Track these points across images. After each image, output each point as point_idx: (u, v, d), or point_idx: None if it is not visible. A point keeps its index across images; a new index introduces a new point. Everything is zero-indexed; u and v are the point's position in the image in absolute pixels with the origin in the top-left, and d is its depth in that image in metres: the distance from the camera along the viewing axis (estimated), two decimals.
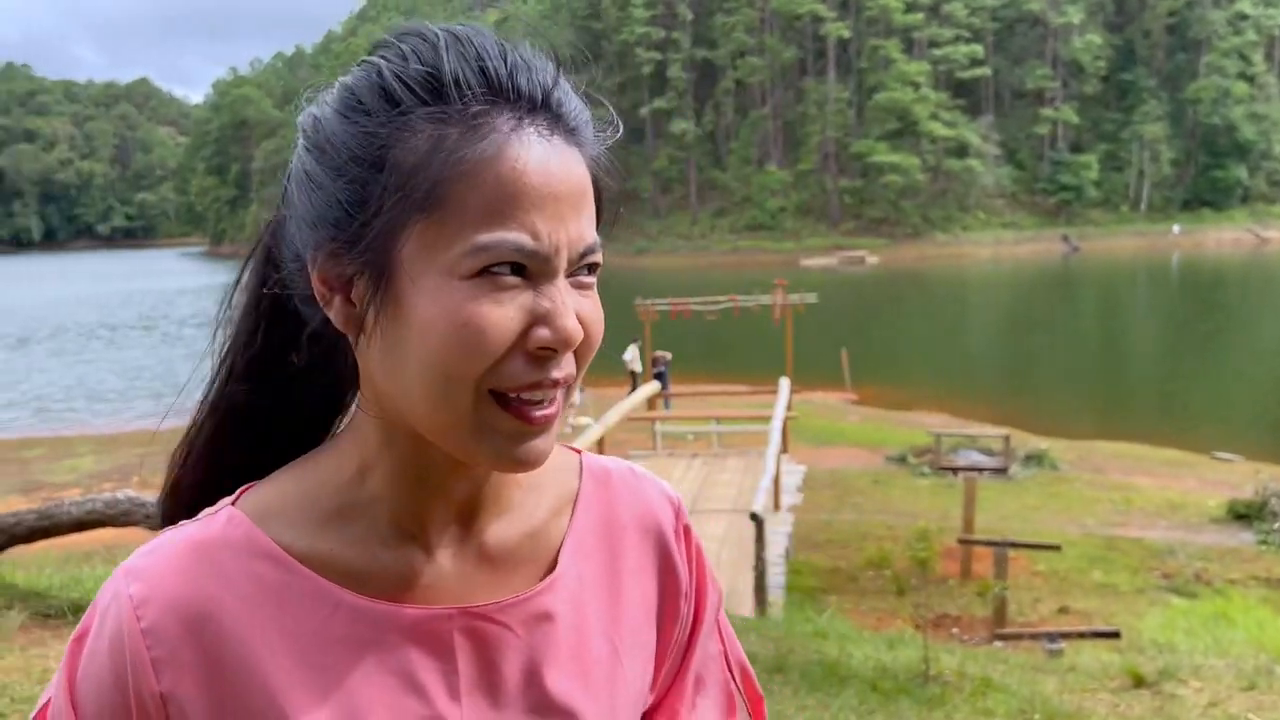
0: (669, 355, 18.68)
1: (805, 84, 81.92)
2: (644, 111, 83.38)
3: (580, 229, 0.67)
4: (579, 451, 0.85)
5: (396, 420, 0.69)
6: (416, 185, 0.64)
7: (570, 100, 0.69)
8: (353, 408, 0.75)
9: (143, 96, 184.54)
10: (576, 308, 0.67)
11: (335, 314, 0.68)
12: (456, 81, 0.65)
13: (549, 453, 0.68)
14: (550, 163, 0.65)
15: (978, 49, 77.62)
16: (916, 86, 75.51)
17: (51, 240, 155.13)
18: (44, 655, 4.86)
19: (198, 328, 34.79)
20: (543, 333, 0.65)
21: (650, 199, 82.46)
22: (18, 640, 5.22)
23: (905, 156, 72.93)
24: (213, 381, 0.77)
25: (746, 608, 7.66)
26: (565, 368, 0.67)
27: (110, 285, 59.29)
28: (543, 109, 0.67)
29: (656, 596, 0.83)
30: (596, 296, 0.70)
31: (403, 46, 0.67)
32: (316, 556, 0.71)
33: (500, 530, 0.76)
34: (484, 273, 0.64)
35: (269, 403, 0.76)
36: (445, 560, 0.74)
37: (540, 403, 0.66)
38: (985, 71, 77.71)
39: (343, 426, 0.75)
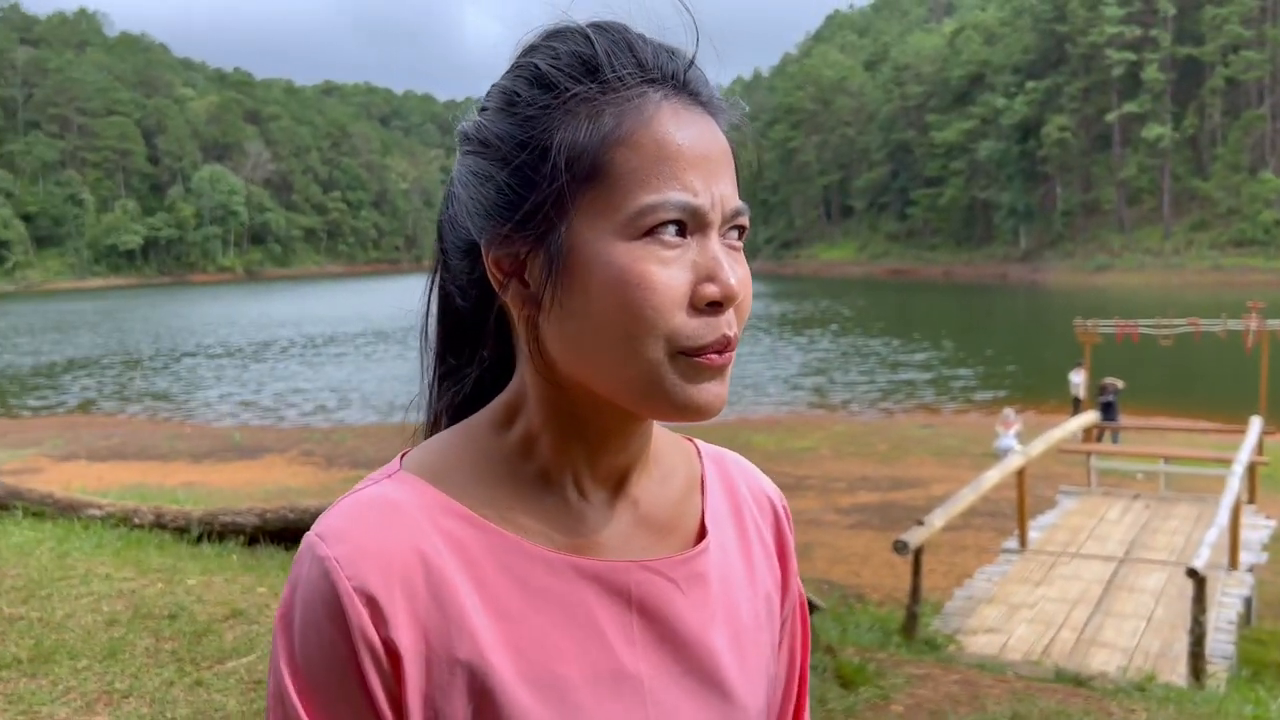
0: (1120, 384, 16.95)
1: None
2: (1111, 117, 76.82)
3: (728, 189, 0.72)
4: (691, 440, 0.88)
5: (570, 389, 0.73)
6: (581, 159, 0.69)
7: (704, 80, 0.74)
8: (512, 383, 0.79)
9: None
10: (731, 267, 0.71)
11: (512, 297, 0.73)
12: (610, 63, 0.71)
13: (725, 399, 0.72)
14: (698, 128, 0.71)
15: None
16: None
17: None
18: None
19: None
20: (710, 289, 0.69)
21: (1114, 211, 75.77)
22: None
23: None
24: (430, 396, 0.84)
25: (1178, 675, 6.76)
26: (734, 324, 0.71)
27: None
28: (684, 86, 0.73)
29: (779, 571, 0.88)
30: (745, 262, 0.74)
31: (554, 44, 0.73)
32: (499, 514, 0.74)
33: (651, 497, 0.80)
34: (650, 233, 0.68)
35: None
36: (611, 521, 0.77)
37: (720, 353, 0.71)
38: None
39: (497, 401, 0.79)
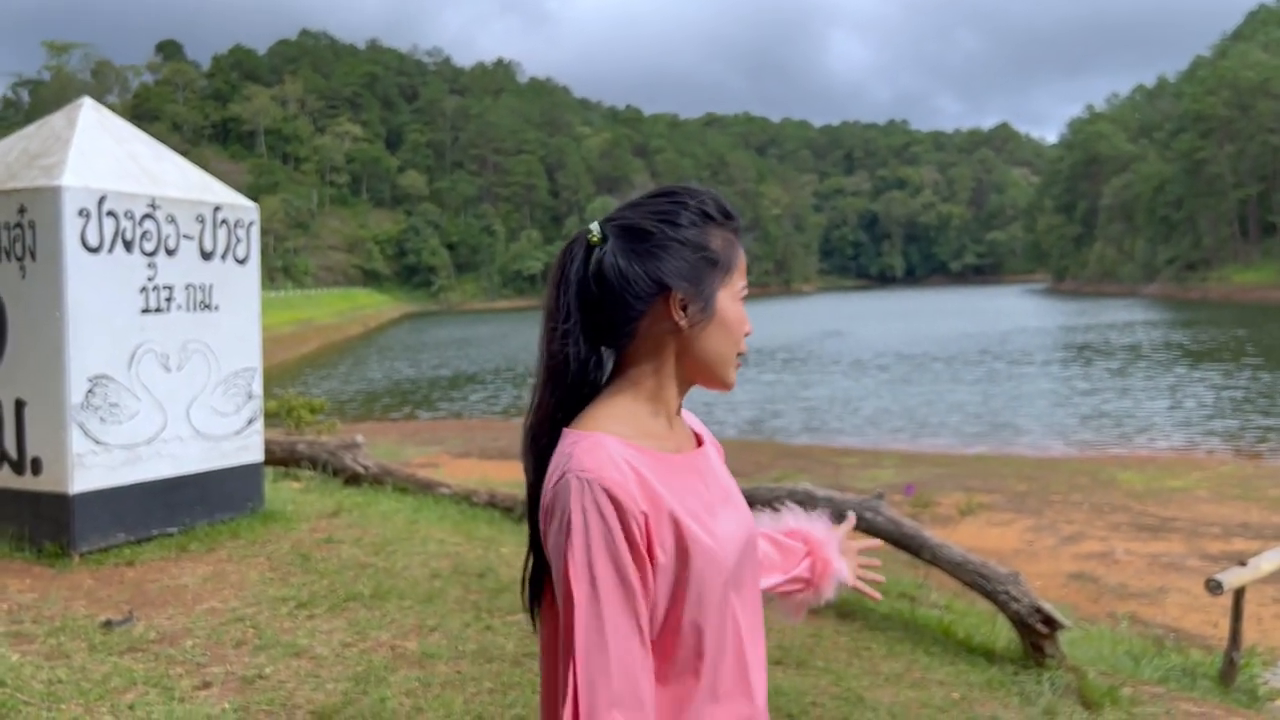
0: None
1: None
2: None
3: None
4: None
5: (690, 371, 1.42)
6: (724, 262, 1.42)
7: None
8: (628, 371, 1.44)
9: (1001, 140, 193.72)
10: None
11: (679, 318, 1.38)
12: (726, 213, 1.43)
13: None
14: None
15: None
16: None
17: (910, 277, 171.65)
18: None
19: (1016, 365, 35.23)
20: (749, 327, 1.45)
21: None
22: None
23: None
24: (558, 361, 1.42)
25: None
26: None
27: (950, 322, 62.57)
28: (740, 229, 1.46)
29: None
30: None
31: (699, 194, 1.43)
32: (643, 440, 1.38)
33: (681, 428, 1.50)
34: (743, 297, 1.45)
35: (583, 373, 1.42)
36: (675, 436, 1.46)
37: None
38: None
39: (619, 387, 1.42)
